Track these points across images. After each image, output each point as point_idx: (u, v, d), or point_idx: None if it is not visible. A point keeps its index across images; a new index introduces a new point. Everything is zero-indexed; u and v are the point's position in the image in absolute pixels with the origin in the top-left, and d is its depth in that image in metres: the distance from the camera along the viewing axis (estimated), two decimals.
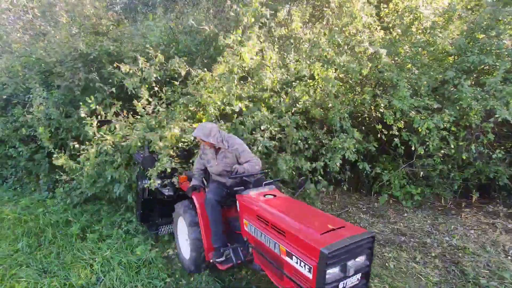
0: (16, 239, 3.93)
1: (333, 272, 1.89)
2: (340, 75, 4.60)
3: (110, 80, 4.36)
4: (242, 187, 2.82)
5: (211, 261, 2.81)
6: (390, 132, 4.20)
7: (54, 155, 3.96)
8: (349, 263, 1.92)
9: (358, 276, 2.01)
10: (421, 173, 4.60)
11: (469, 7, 4.79)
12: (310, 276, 1.91)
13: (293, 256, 2.05)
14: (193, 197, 3.04)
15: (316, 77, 4.36)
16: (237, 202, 2.77)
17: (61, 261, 3.39)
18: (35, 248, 3.70)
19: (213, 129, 2.95)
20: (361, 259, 2.01)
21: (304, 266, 1.95)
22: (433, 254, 3.48)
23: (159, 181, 3.46)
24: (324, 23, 4.43)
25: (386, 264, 3.30)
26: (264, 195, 2.72)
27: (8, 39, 5.75)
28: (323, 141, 4.28)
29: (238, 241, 2.82)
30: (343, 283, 1.94)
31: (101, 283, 3.00)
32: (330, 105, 4.26)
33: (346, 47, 4.49)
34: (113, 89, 4.12)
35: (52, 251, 3.61)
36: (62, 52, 4.68)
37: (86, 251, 3.53)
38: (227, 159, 3.00)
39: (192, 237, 2.97)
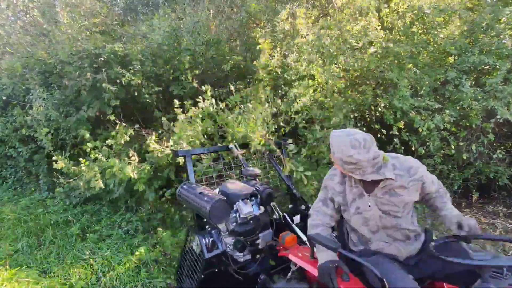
0: (16, 239, 3.93)
1: None
2: (341, 73, 4.57)
3: (118, 81, 4.28)
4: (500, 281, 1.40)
5: None
6: (391, 132, 4.19)
7: (54, 158, 3.61)
8: None
9: None
10: None
11: (469, 5, 4.78)
12: None
13: None
14: None
15: (316, 76, 4.34)
16: None
17: (61, 261, 3.39)
18: (35, 248, 3.69)
19: (373, 140, 1.63)
20: None
21: None
22: None
23: (230, 239, 2.20)
24: (328, 20, 4.41)
25: None
26: None
27: (9, 39, 5.75)
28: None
29: None
30: None
31: (101, 283, 3.00)
32: (331, 104, 4.25)
33: (348, 45, 4.45)
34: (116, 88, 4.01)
35: (52, 251, 3.61)
36: (66, 52, 4.63)
37: (86, 251, 3.53)
38: (396, 198, 1.64)
39: None
